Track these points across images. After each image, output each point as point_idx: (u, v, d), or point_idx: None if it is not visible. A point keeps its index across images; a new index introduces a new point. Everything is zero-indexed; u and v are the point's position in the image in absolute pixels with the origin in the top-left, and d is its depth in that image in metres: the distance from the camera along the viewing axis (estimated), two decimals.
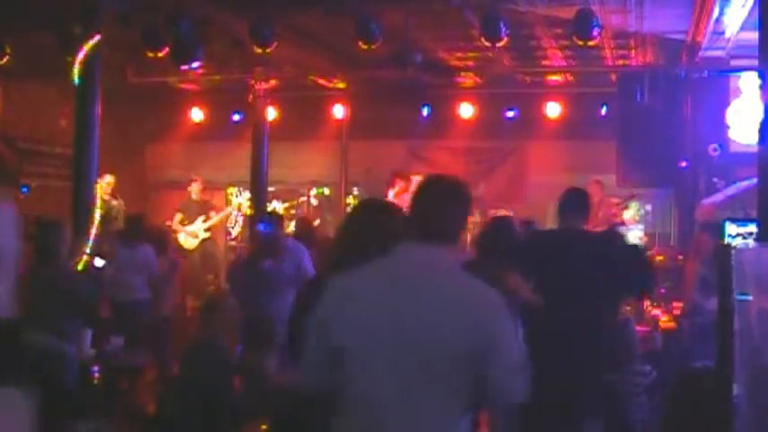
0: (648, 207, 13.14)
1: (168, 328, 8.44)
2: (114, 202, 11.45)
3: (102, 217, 9.92)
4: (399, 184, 10.47)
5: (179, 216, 12.33)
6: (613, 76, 12.12)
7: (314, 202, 14.51)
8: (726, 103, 11.25)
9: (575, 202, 4.98)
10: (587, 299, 4.60)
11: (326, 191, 14.57)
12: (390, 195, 10.66)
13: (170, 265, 8.75)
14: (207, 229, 12.50)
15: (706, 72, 11.12)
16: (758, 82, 5.78)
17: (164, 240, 9.04)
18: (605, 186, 11.67)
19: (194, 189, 12.49)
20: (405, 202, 10.63)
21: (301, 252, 6.76)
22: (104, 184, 10.98)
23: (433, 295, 2.54)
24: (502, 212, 11.11)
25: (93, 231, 8.23)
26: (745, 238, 7.11)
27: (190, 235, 12.29)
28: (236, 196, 14.93)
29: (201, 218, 12.37)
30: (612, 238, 5.19)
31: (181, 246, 11.97)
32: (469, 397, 2.52)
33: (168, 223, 12.01)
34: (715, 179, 10.73)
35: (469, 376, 2.48)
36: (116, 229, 10.12)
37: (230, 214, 13.75)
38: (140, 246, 8.19)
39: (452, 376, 2.48)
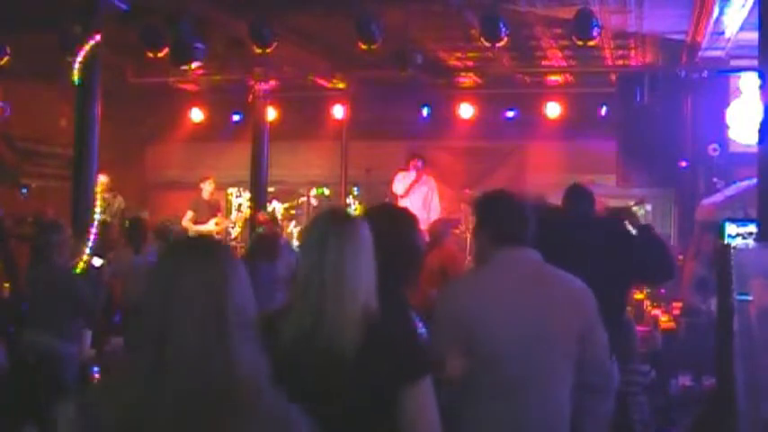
0: (648, 207, 13.12)
1: None
2: (115, 200, 11.43)
3: (103, 215, 9.91)
4: (416, 166, 10.40)
5: (190, 214, 12.27)
6: (613, 77, 12.12)
7: (314, 202, 14.47)
8: (726, 103, 11.26)
9: (581, 192, 4.91)
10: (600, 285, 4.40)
11: (326, 191, 14.53)
12: (400, 178, 10.57)
13: None
14: (216, 233, 12.48)
15: (706, 72, 11.12)
16: (758, 82, 5.80)
17: (168, 239, 9.02)
18: (603, 187, 11.59)
19: (206, 189, 12.38)
20: (426, 184, 10.58)
21: (292, 253, 6.79)
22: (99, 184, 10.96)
23: (548, 288, 3.02)
24: None
25: (93, 231, 8.21)
26: (745, 238, 7.11)
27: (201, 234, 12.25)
28: (237, 196, 14.91)
29: (214, 220, 12.31)
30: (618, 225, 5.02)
31: None
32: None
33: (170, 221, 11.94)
34: (715, 179, 10.73)
35: (577, 353, 2.96)
36: (118, 229, 10.11)
37: (235, 225, 13.69)
38: (150, 250, 8.19)
39: (571, 354, 2.95)
